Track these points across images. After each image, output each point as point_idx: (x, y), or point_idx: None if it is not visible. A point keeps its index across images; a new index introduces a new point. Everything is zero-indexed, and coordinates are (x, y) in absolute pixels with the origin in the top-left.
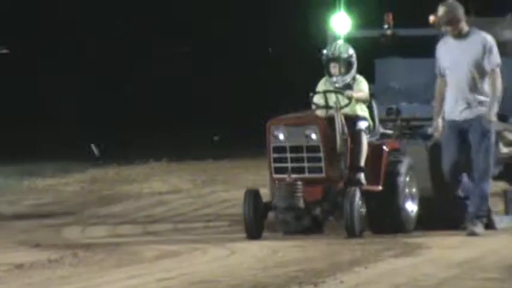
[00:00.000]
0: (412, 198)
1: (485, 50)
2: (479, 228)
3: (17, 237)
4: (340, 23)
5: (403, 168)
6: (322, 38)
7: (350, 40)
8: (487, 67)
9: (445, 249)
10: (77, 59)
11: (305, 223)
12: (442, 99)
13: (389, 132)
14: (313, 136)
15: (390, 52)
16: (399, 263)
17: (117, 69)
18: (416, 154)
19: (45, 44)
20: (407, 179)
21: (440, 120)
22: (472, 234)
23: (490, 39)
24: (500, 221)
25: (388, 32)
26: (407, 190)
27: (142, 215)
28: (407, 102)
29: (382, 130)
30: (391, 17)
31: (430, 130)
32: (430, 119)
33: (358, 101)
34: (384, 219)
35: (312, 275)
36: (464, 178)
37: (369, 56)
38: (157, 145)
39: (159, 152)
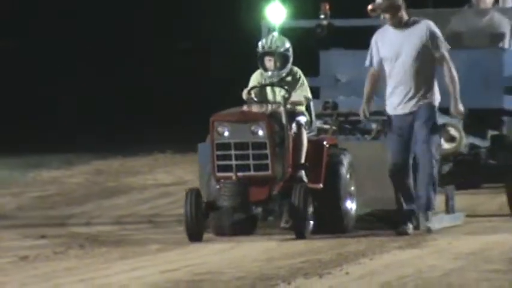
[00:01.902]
0: (351, 197)
1: (430, 37)
2: (433, 223)
3: (22, 229)
4: (275, 13)
5: (344, 165)
6: (257, 29)
7: (285, 30)
8: (436, 54)
9: (450, 241)
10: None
11: (242, 223)
12: (373, 86)
13: (326, 127)
14: (260, 132)
15: (333, 43)
16: (404, 255)
17: (132, 59)
18: (354, 150)
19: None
20: (348, 176)
21: (369, 106)
22: (428, 230)
23: (432, 25)
24: (440, 220)
25: (324, 22)
26: (347, 188)
27: (146, 206)
28: (346, 96)
29: (318, 125)
30: (327, 6)
31: (373, 127)
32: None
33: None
34: (324, 218)
35: (317, 266)
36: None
37: (304, 47)
38: (162, 137)
39: (164, 143)
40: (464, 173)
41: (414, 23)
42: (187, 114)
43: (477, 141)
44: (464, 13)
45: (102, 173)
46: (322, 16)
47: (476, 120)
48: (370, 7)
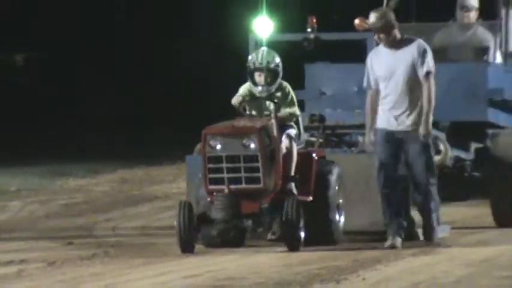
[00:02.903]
0: (340, 209)
1: (419, 56)
2: (437, 234)
3: (49, 235)
4: (263, 26)
5: (333, 178)
6: (245, 42)
7: (272, 43)
8: (419, 72)
9: (462, 248)
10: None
11: (232, 235)
12: (374, 113)
13: (313, 139)
14: (251, 146)
15: (318, 57)
16: (418, 261)
17: (150, 68)
18: (341, 163)
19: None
20: (336, 188)
21: (372, 135)
22: (431, 242)
23: (423, 44)
24: None
25: (311, 35)
26: (336, 200)
27: (169, 214)
28: (332, 109)
29: (306, 137)
30: (314, 20)
31: (360, 140)
32: (354, 126)
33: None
34: (314, 230)
35: (334, 272)
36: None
37: (291, 60)
38: (185, 145)
39: (186, 152)
40: (450, 185)
41: (407, 42)
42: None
43: (462, 154)
44: (449, 28)
45: (127, 182)
46: (309, 30)
47: (461, 133)
48: (356, 21)
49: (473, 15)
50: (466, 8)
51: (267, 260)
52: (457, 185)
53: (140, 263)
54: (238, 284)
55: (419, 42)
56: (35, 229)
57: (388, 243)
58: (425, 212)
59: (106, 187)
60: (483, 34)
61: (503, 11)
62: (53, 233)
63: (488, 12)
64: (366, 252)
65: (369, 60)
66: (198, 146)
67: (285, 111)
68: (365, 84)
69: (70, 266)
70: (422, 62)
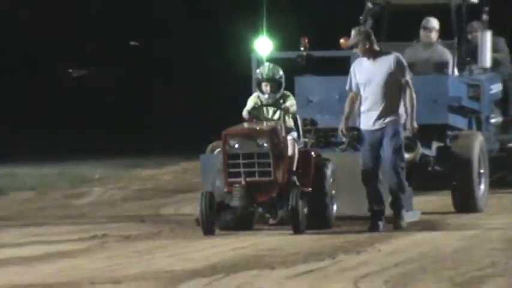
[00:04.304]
0: (333, 199)
1: (397, 66)
2: (403, 222)
3: (125, 214)
4: (263, 46)
5: (328, 172)
6: (247, 59)
7: (271, 60)
8: (402, 80)
9: (458, 226)
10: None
11: (244, 220)
12: (352, 108)
13: (306, 140)
14: (264, 145)
15: (306, 70)
16: (423, 236)
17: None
18: (333, 160)
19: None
20: (331, 181)
21: (347, 123)
22: (398, 228)
23: (399, 56)
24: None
25: (304, 53)
26: (331, 191)
27: None
28: (321, 115)
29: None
30: (306, 40)
31: (339, 131)
32: (335, 129)
33: (288, 114)
34: (313, 217)
35: (355, 245)
36: (380, 188)
37: (288, 74)
38: None
39: None
40: (416, 177)
41: (384, 54)
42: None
43: (426, 151)
44: (414, 46)
45: (187, 172)
46: (302, 48)
47: (425, 134)
48: (342, 40)
49: (434, 35)
50: (428, 29)
51: (301, 236)
52: (422, 177)
53: (198, 237)
54: (277, 254)
55: (396, 55)
56: (114, 210)
57: (371, 226)
58: (394, 196)
59: (171, 176)
60: (442, 51)
61: (480, 32)
62: (128, 213)
63: (447, 32)
64: (381, 229)
65: (352, 67)
66: (210, 147)
67: (291, 110)
68: (347, 87)
69: (142, 240)
70: (402, 73)
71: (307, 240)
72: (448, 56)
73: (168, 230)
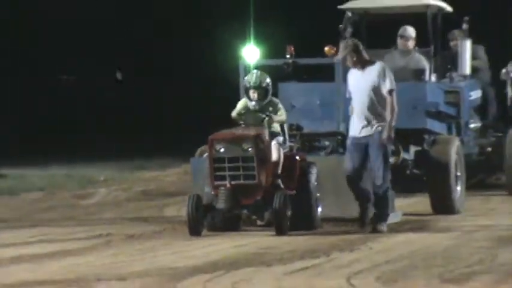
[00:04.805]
0: (317, 201)
1: (381, 77)
2: (383, 226)
3: (129, 214)
4: (250, 54)
5: (312, 175)
6: (235, 66)
7: (258, 67)
8: (384, 90)
9: (447, 224)
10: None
11: (231, 221)
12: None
13: (292, 144)
14: (249, 149)
15: (291, 77)
16: (414, 235)
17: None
18: (318, 163)
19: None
20: (315, 184)
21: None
22: (376, 231)
23: (385, 67)
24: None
25: (290, 60)
26: (315, 194)
27: None
28: (303, 120)
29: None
30: (292, 48)
31: (327, 143)
32: (324, 134)
33: (272, 124)
34: (298, 219)
35: (349, 243)
36: (366, 186)
37: (274, 81)
38: None
39: None
40: (395, 180)
41: (371, 63)
42: None
43: (405, 155)
44: (392, 54)
45: (189, 173)
46: (288, 56)
47: (404, 138)
48: (326, 48)
49: (410, 43)
50: (405, 38)
51: (298, 235)
52: (400, 180)
53: (198, 236)
54: (275, 252)
55: (381, 64)
56: (119, 210)
57: (372, 229)
58: (377, 200)
59: (173, 178)
60: (419, 58)
61: (460, 40)
62: (132, 213)
63: (423, 41)
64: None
65: (347, 76)
66: (199, 151)
67: (276, 119)
68: (347, 95)
69: (146, 238)
70: (385, 81)
71: (303, 239)
72: (425, 63)
73: (171, 229)
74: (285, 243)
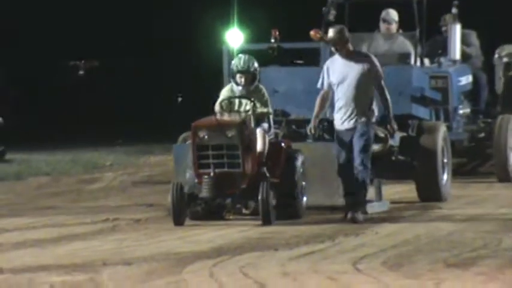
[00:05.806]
0: (303, 189)
1: (370, 68)
2: (359, 215)
3: (135, 199)
4: (234, 38)
5: (298, 163)
6: (219, 51)
7: (242, 52)
8: (375, 82)
9: (452, 210)
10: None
11: (215, 210)
12: (322, 106)
13: (277, 131)
14: (233, 136)
15: (277, 61)
16: (418, 219)
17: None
18: (304, 151)
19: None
20: (301, 171)
21: (316, 122)
22: (353, 220)
23: (373, 58)
24: (371, 206)
25: (274, 45)
26: (301, 182)
27: None
28: (286, 105)
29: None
30: (277, 32)
31: (308, 130)
32: (306, 120)
33: (256, 111)
34: (283, 208)
35: (354, 228)
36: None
37: (259, 66)
38: None
39: None
40: (380, 166)
41: (358, 54)
42: None
43: (391, 141)
44: (375, 37)
45: None
46: (272, 40)
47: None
48: (312, 32)
49: (393, 27)
50: (387, 21)
51: (302, 220)
52: (386, 167)
53: (204, 221)
54: (279, 236)
55: (370, 56)
56: (124, 194)
57: (348, 218)
58: (355, 190)
59: None
60: (403, 42)
61: (450, 25)
62: (138, 198)
63: (409, 24)
64: (378, 213)
65: (325, 66)
66: (181, 137)
67: (261, 110)
68: (319, 85)
69: (151, 223)
70: (375, 73)
71: (309, 224)
72: (409, 47)
73: None
74: (290, 228)
